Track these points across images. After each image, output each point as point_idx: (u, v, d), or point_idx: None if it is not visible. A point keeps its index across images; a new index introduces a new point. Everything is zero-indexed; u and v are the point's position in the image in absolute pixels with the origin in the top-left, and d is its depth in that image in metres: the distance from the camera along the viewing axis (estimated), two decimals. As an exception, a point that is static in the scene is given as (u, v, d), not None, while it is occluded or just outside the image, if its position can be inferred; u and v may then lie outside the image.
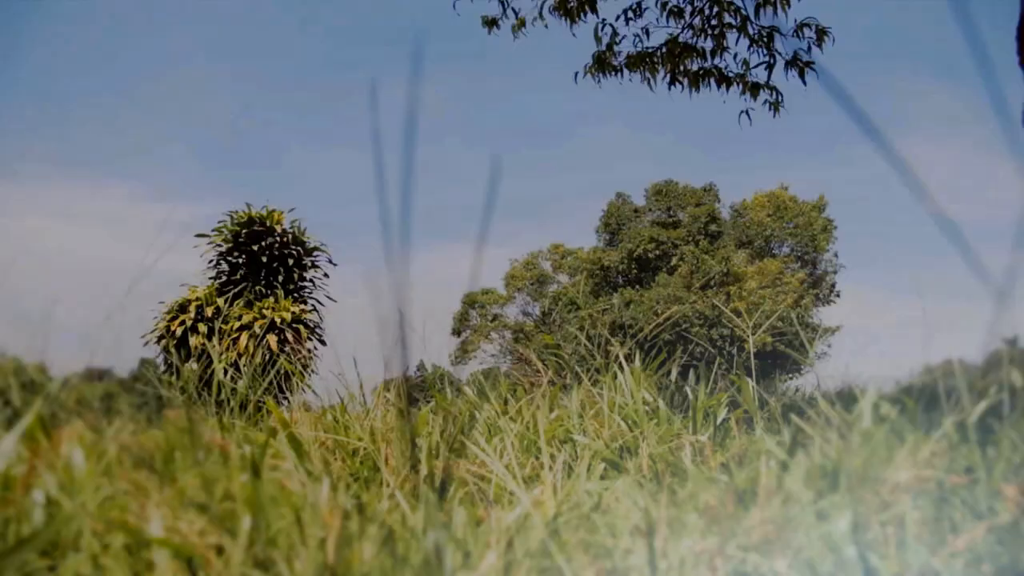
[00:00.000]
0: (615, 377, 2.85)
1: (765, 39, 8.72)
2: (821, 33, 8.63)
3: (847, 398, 2.36)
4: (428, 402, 3.48)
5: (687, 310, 37.23)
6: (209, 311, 18.03)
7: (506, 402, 2.93)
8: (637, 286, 41.49)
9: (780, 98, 8.97)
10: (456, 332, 43.21)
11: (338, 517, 1.25)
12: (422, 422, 2.54)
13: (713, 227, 42.85)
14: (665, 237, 42.30)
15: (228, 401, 2.68)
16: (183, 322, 17.84)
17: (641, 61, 9.15)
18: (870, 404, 2.02)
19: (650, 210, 44.45)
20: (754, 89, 9.09)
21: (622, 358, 2.92)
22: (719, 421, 2.88)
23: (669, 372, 3.28)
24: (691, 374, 3.24)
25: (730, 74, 9.15)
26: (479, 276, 1.05)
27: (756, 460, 1.89)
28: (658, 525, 1.40)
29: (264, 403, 2.75)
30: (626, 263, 42.39)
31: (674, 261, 41.85)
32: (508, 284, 44.19)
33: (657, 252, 42.03)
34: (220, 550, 1.30)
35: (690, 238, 42.39)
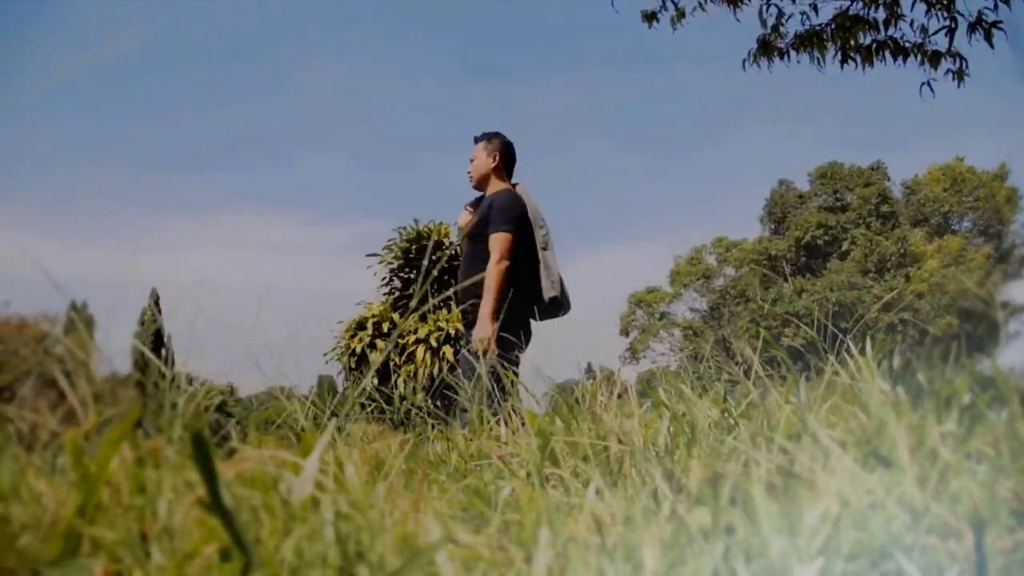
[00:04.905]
0: (844, 366, 2.71)
1: (944, 1, 8.16)
2: (1009, -13, 8.00)
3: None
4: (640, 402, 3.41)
5: (867, 296, 35.71)
6: (385, 326, 18.64)
7: (725, 399, 2.83)
8: (808, 274, 40.10)
9: (965, 65, 8.31)
10: (624, 332, 42.84)
11: (627, 524, 1.20)
12: (649, 423, 2.48)
13: (885, 207, 40.99)
14: (834, 221, 40.76)
15: (456, 413, 2.70)
16: (362, 339, 18.51)
17: (809, 40, 8.74)
18: None
19: (816, 195, 42.86)
20: (934, 58, 8.47)
21: (850, 345, 2.78)
22: (964, 407, 2.68)
23: (891, 359, 3.09)
24: (918, 359, 3.04)
25: (907, 44, 8.58)
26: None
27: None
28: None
29: (483, 412, 2.75)
30: (794, 251, 41.04)
31: (845, 246, 40.27)
32: (673, 281, 43.50)
33: (826, 238, 40.55)
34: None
35: (860, 220, 40.68)
